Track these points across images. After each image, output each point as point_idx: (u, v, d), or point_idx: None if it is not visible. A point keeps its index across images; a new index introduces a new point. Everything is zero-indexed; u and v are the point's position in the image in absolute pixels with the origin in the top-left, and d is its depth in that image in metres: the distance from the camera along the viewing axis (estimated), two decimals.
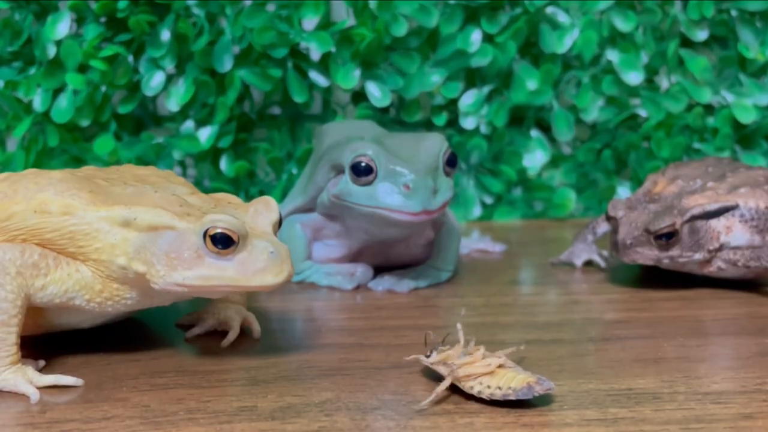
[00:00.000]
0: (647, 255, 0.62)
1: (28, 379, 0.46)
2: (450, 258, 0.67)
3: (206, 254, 0.47)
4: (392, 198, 0.58)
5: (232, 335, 0.54)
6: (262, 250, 0.47)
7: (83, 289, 0.48)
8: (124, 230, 0.48)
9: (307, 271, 0.65)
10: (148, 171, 0.55)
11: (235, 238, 0.47)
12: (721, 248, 0.62)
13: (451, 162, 0.61)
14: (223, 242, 0.47)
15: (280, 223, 0.51)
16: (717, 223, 0.62)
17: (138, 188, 0.50)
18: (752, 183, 0.64)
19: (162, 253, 0.47)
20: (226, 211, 0.48)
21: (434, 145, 0.61)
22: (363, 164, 0.59)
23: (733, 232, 0.62)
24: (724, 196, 0.63)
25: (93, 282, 0.48)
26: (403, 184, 0.58)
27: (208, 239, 0.47)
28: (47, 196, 0.48)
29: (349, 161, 0.59)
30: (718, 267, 0.63)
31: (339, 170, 0.61)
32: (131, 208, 0.48)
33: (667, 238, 0.61)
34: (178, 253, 0.47)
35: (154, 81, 0.81)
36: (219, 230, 0.46)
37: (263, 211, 0.50)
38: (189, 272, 0.47)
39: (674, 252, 0.62)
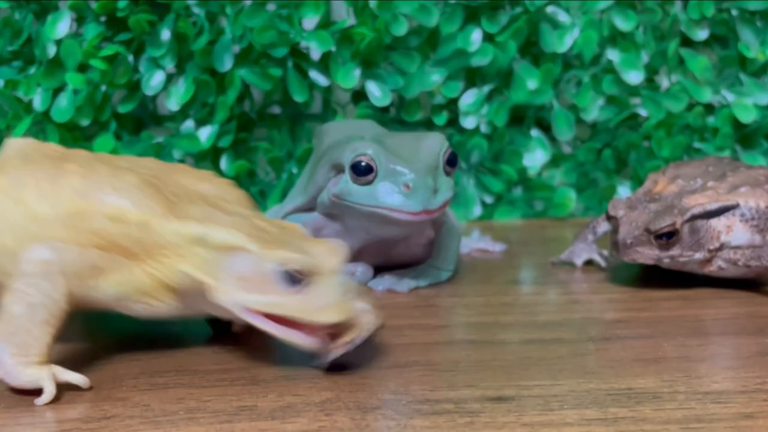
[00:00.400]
0: (648, 254, 0.62)
1: (52, 376, 0.45)
2: (450, 257, 0.67)
3: (276, 283, 0.47)
4: (392, 197, 0.58)
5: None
6: (330, 289, 0.47)
7: (134, 291, 0.48)
8: (196, 248, 0.47)
9: None
10: (203, 175, 0.54)
11: (302, 276, 0.46)
12: (721, 248, 0.62)
13: (452, 161, 0.61)
14: (293, 278, 0.46)
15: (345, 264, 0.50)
16: (717, 223, 0.62)
17: (209, 203, 0.50)
18: (753, 182, 0.64)
19: (232, 272, 0.47)
20: (297, 250, 0.47)
21: (435, 144, 0.61)
22: (363, 164, 0.59)
23: (734, 232, 0.62)
24: (725, 195, 0.63)
25: (144, 282, 0.48)
26: (404, 183, 0.58)
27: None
28: (125, 206, 0.48)
29: (350, 161, 0.59)
30: (718, 266, 0.63)
31: (339, 170, 0.61)
32: (206, 225, 0.48)
33: (668, 238, 0.61)
34: (248, 276, 0.47)
35: (154, 80, 0.81)
36: (291, 268, 0.46)
37: (331, 257, 0.49)
38: (254, 297, 0.47)
39: (675, 251, 0.62)
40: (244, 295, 0.47)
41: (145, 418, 0.43)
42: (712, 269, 0.63)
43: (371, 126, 0.72)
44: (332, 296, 0.47)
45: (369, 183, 0.59)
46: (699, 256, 0.62)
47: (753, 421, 0.43)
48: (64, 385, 0.46)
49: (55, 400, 0.45)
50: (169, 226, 0.47)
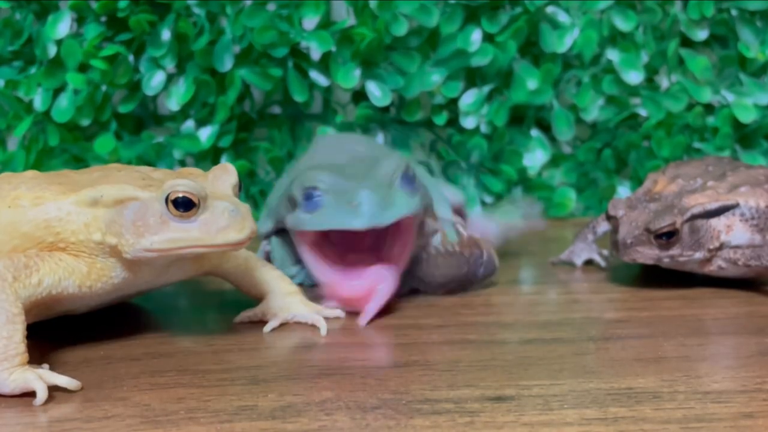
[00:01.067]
0: (648, 254, 0.62)
1: (38, 376, 0.46)
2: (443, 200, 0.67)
3: (170, 219, 0.50)
4: (340, 217, 0.57)
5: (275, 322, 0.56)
6: (223, 209, 0.50)
7: (72, 275, 0.50)
8: (93, 209, 0.50)
9: (301, 273, 0.65)
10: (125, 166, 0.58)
11: (195, 200, 0.49)
12: (721, 247, 0.62)
13: (407, 179, 0.59)
14: (184, 205, 0.49)
15: (240, 187, 0.53)
16: (717, 222, 0.62)
17: (103, 172, 0.54)
18: (752, 182, 0.64)
19: (129, 222, 0.50)
20: (185, 178, 0.51)
21: (389, 164, 0.59)
22: (309, 193, 0.58)
23: (734, 231, 0.62)
24: (725, 195, 0.63)
25: (78, 265, 0.51)
26: (347, 201, 0.56)
27: (170, 204, 0.49)
28: (20, 192, 0.51)
29: (301, 194, 0.59)
30: (718, 266, 0.63)
31: (294, 205, 0.60)
32: (96, 187, 0.51)
33: (668, 238, 0.61)
34: (144, 221, 0.50)
35: (155, 80, 0.81)
36: (180, 194, 0.49)
37: (222, 176, 0.52)
38: (156, 237, 0.50)
39: (675, 251, 0.62)
40: (146, 239, 0.49)
41: (145, 417, 0.43)
42: (712, 269, 0.63)
43: (358, 142, 0.71)
44: (227, 217, 0.49)
45: (317, 209, 0.58)
46: (699, 255, 0.62)
47: (753, 421, 0.43)
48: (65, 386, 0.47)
49: (56, 399, 0.45)
50: (66, 201, 0.51)
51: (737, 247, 0.62)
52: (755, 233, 0.62)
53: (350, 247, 0.60)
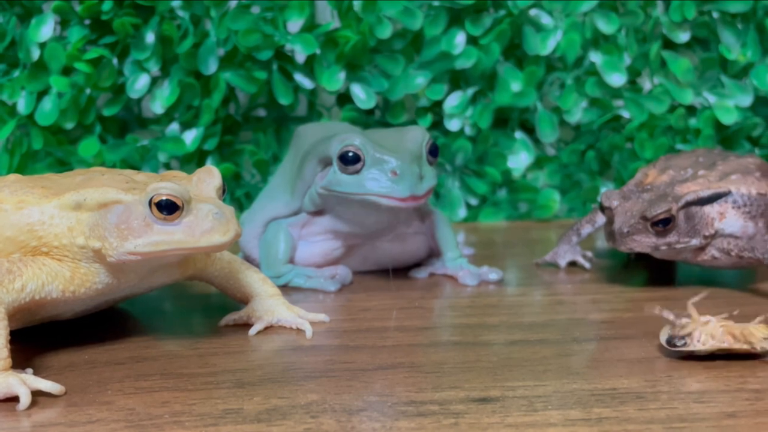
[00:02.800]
0: (645, 242, 0.62)
1: (21, 381, 0.46)
2: (454, 242, 0.69)
3: (154, 222, 0.49)
4: (381, 184, 0.60)
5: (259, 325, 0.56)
6: (207, 212, 0.50)
7: (56, 279, 0.50)
8: (77, 213, 0.50)
9: (289, 274, 0.65)
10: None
11: (179, 203, 0.49)
12: (715, 234, 0.63)
13: (434, 152, 0.63)
14: (168, 208, 0.49)
15: (224, 189, 0.53)
16: (711, 210, 0.63)
17: (87, 175, 0.54)
18: (743, 170, 0.64)
19: (113, 226, 0.50)
20: (168, 181, 0.51)
21: (417, 135, 0.63)
22: (351, 153, 0.60)
23: (727, 219, 0.63)
24: (716, 183, 0.63)
25: (62, 270, 0.50)
26: (391, 170, 0.60)
27: (153, 207, 0.49)
28: (2, 196, 0.51)
29: (337, 151, 0.61)
30: (711, 255, 0.63)
31: (326, 163, 0.62)
32: (79, 191, 0.51)
33: (664, 225, 0.61)
34: (127, 224, 0.50)
35: (139, 83, 0.81)
36: (163, 197, 0.49)
37: (206, 178, 0.52)
38: (139, 240, 0.49)
39: (671, 238, 0.62)
40: (130, 243, 0.49)
41: (129, 422, 0.43)
42: (705, 258, 0.64)
43: (348, 127, 0.72)
44: (212, 219, 0.49)
45: (357, 172, 0.60)
46: (695, 242, 0.62)
47: (735, 420, 0.43)
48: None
49: (40, 404, 0.45)
50: (50, 204, 0.51)
51: (730, 235, 0.63)
52: (747, 220, 0.63)
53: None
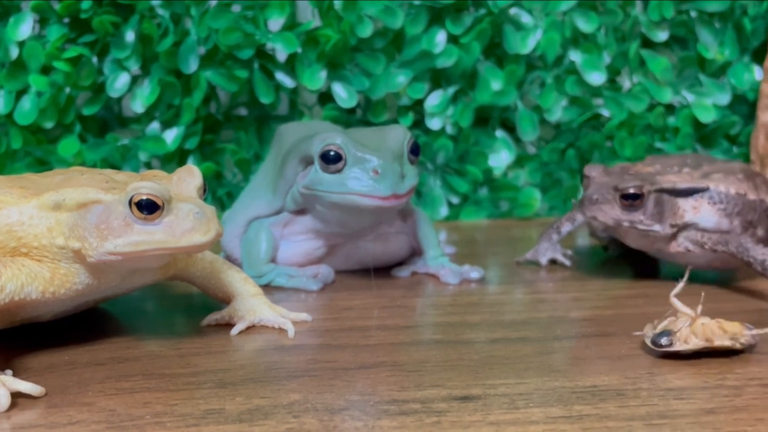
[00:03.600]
0: (610, 213, 0.63)
1: (0, 383, 0.45)
2: (436, 241, 0.69)
3: (134, 221, 0.49)
4: (362, 183, 0.60)
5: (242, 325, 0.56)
6: (188, 212, 0.49)
7: (35, 280, 0.50)
8: (56, 213, 0.50)
9: (271, 273, 0.65)
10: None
11: (159, 202, 0.49)
12: (686, 227, 0.63)
13: (415, 150, 0.63)
14: (148, 208, 0.49)
15: (204, 188, 0.53)
16: (684, 202, 0.63)
17: (66, 175, 0.53)
18: (726, 171, 0.65)
19: (92, 226, 0.49)
20: (149, 180, 0.50)
21: (398, 134, 0.63)
22: (332, 152, 0.61)
23: (701, 213, 0.63)
24: (698, 179, 0.64)
25: (42, 271, 0.50)
26: (372, 169, 0.60)
27: (133, 207, 0.49)
28: None
29: (319, 150, 0.61)
30: (685, 248, 0.64)
31: (308, 162, 0.62)
32: (58, 191, 0.50)
33: (632, 199, 0.62)
34: (107, 224, 0.49)
35: (119, 82, 0.80)
36: (143, 196, 0.49)
37: (186, 178, 0.52)
38: (119, 240, 0.49)
39: (636, 216, 0.63)
40: (110, 243, 0.49)
41: (111, 423, 0.43)
42: (679, 250, 0.64)
43: (329, 126, 0.72)
44: (192, 219, 0.49)
45: (338, 171, 0.61)
46: (658, 228, 0.63)
47: (715, 417, 0.44)
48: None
49: (20, 405, 0.45)
50: (28, 205, 0.50)
51: (704, 229, 0.63)
52: (723, 218, 0.63)
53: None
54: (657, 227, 0.63)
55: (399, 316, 0.60)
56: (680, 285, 0.53)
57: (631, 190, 0.62)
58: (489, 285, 0.67)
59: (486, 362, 0.51)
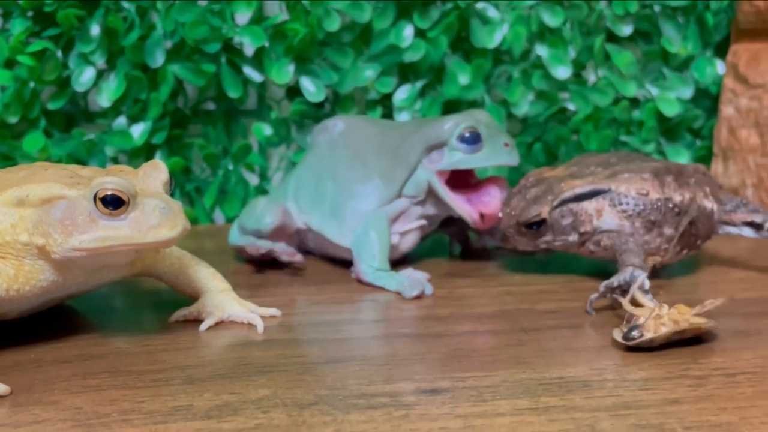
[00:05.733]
0: (525, 243, 0.65)
1: None
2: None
3: (99, 217, 0.49)
4: (503, 155, 0.67)
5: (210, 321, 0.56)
6: (154, 207, 0.49)
7: (9, 281, 0.49)
8: (20, 209, 0.50)
9: (385, 275, 0.65)
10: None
11: (124, 198, 0.49)
12: (594, 232, 0.64)
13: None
14: (113, 203, 0.49)
15: (171, 183, 0.52)
16: (589, 205, 0.63)
17: (30, 171, 0.53)
18: (635, 170, 0.64)
19: (57, 222, 0.49)
20: (114, 175, 0.50)
21: (489, 115, 0.70)
22: (472, 133, 0.66)
23: (603, 217, 0.63)
24: (601, 180, 0.64)
25: (5, 268, 0.50)
26: (504, 143, 0.67)
27: (98, 202, 0.49)
28: None
29: (457, 133, 0.66)
30: (589, 250, 0.65)
31: (432, 149, 0.67)
32: (22, 187, 0.50)
33: (537, 227, 0.64)
34: (71, 219, 0.49)
35: (84, 76, 0.79)
36: (108, 192, 0.48)
37: (152, 173, 0.52)
38: (84, 236, 0.49)
39: (547, 237, 0.64)
40: (74, 239, 0.49)
41: (77, 421, 0.43)
42: (583, 251, 0.65)
43: (388, 122, 0.76)
44: (159, 215, 0.49)
45: (478, 149, 0.66)
46: (572, 238, 0.64)
47: (679, 406, 0.44)
48: None
49: None
50: None
51: (608, 231, 0.64)
52: (623, 220, 0.63)
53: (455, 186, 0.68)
54: (570, 238, 0.64)
55: (368, 310, 0.60)
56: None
57: (533, 220, 0.63)
58: (457, 278, 0.68)
59: (454, 355, 0.51)
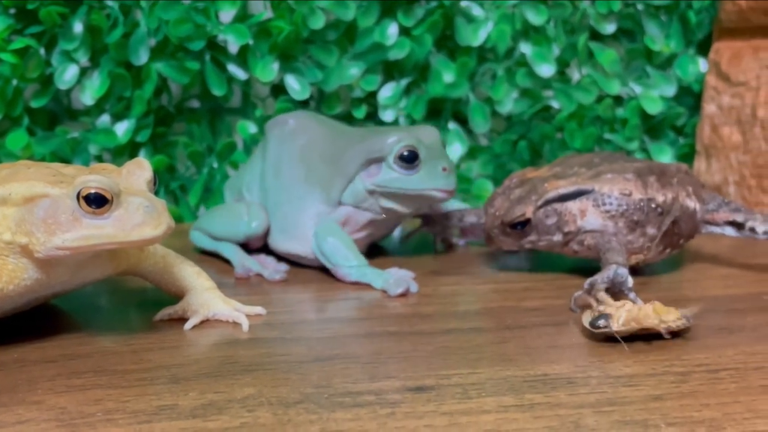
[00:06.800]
0: (509, 243, 0.66)
1: None
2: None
3: (83, 216, 0.49)
4: (437, 180, 0.65)
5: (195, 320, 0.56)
6: (138, 205, 0.49)
7: None
8: (2, 208, 0.50)
9: (366, 269, 0.65)
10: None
11: (108, 196, 0.48)
12: (578, 232, 0.64)
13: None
14: (97, 202, 0.48)
15: (155, 181, 0.52)
16: (573, 206, 0.64)
17: (12, 169, 0.52)
18: (619, 170, 0.65)
19: (40, 221, 0.49)
20: (98, 174, 0.50)
21: (437, 134, 0.68)
22: (410, 153, 0.65)
23: (587, 217, 0.64)
24: (585, 181, 0.64)
25: None
26: (442, 167, 0.65)
27: (82, 201, 0.48)
28: None
29: (396, 151, 0.65)
30: (572, 249, 0.65)
31: (373, 161, 0.66)
32: (4, 185, 0.50)
33: (522, 227, 0.64)
34: (55, 218, 0.49)
35: (68, 74, 0.79)
36: (92, 190, 0.48)
37: (136, 171, 0.51)
38: (68, 235, 0.49)
39: (532, 237, 0.65)
40: (58, 237, 0.49)
41: (61, 421, 0.43)
42: (567, 250, 0.65)
43: (333, 124, 0.73)
44: (142, 213, 0.49)
45: (414, 169, 0.65)
46: (556, 238, 0.64)
47: (662, 403, 0.45)
48: None
49: None
50: None
51: (591, 231, 0.64)
52: (607, 220, 0.63)
53: None
54: (555, 238, 0.64)
55: (353, 308, 0.60)
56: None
57: (518, 220, 0.64)
58: (442, 276, 0.68)
59: (439, 353, 0.51)
